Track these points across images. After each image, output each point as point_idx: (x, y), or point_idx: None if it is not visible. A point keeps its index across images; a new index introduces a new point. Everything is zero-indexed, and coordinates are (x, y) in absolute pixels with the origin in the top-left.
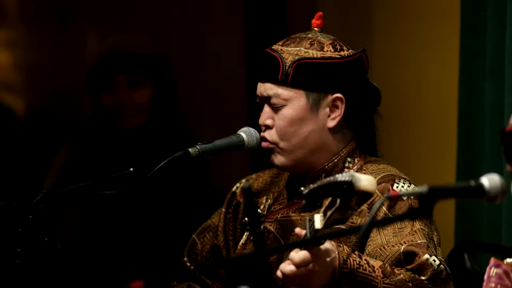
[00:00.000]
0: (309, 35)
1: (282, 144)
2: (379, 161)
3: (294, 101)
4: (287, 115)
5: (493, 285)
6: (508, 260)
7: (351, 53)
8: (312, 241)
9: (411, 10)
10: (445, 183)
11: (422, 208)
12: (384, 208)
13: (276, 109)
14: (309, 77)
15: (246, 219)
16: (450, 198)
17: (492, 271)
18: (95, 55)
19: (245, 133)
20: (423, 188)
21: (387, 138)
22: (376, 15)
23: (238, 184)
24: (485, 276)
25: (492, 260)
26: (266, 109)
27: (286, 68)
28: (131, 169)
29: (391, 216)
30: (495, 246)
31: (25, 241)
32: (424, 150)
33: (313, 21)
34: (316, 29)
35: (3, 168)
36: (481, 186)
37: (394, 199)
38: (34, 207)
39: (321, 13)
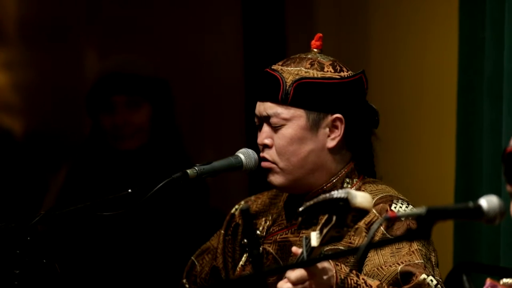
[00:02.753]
0: (309, 56)
1: (281, 164)
2: (378, 182)
3: (294, 121)
4: (286, 135)
5: None
6: (505, 280)
7: (350, 74)
8: (310, 263)
9: (409, 31)
10: (444, 204)
11: (420, 230)
12: (382, 228)
13: (275, 128)
14: (309, 97)
15: (245, 240)
16: (448, 220)
17: None
18: (94, 75)
19: (244, 154)
20: (421, 210)
21: (386, 159)
22: (374, 36)
23: (237, 206)
24: None
25: (488, 281)
26: (265, 128)
27: (287, 88)
28: (129, 190)
29: (389, 236)
30: (494, 267)
31: (23, 263)
32: (423, 171)
33: (313, 42)
34: (315, 50)
35: (1, 190)
36: (479, 207)
37: (392, 220)
38: (32, 229)
39: (320, 34)
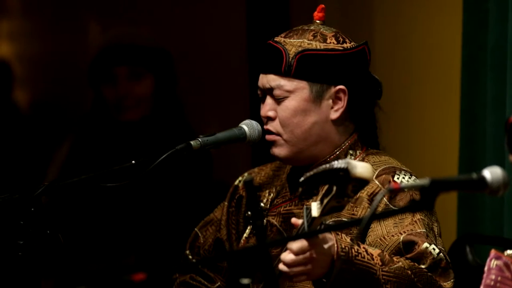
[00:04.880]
0: (312, 27)
1: (285, 136)
2: (381, 153)
3: (297, 93)
4: (290, 107)
5: (493, 277)
6: (509, 251)
7: (353, 46)
8: (312, 234)
9: (413, 2)
10: (448, 175)
11: (423, 201)
12: (385, 199)
13: (278, 100)
14: (312, 69)
15: (249, 213)
16: (452, 191)
17: (492, 263)
18: (97, 47)
19: (247, 126)
20: (425, 181)
21: (389, 131)
22: (378, 8)
23: (240, 178)
24: (486, 268)
25: (493, 252)
26: (268, 100)
27: (290, 60)
28: (133, 161)
29: (392, 207)
30: (497, 238)
31: (27, 234)
32: (427, 143)
33: (315, 13)
34: (318, 21)
35: (5, 161)
36: (483, 178)
37: (395, 191)
38: (36, 200)
39: (323, 5)
